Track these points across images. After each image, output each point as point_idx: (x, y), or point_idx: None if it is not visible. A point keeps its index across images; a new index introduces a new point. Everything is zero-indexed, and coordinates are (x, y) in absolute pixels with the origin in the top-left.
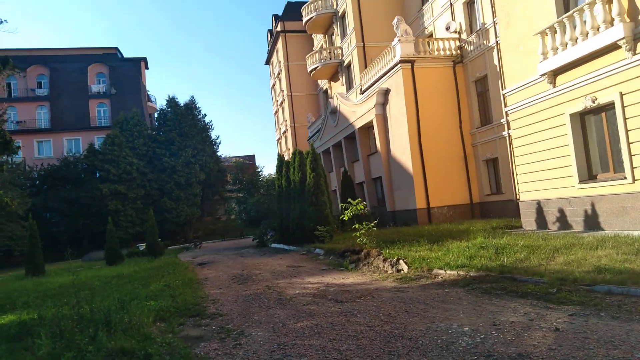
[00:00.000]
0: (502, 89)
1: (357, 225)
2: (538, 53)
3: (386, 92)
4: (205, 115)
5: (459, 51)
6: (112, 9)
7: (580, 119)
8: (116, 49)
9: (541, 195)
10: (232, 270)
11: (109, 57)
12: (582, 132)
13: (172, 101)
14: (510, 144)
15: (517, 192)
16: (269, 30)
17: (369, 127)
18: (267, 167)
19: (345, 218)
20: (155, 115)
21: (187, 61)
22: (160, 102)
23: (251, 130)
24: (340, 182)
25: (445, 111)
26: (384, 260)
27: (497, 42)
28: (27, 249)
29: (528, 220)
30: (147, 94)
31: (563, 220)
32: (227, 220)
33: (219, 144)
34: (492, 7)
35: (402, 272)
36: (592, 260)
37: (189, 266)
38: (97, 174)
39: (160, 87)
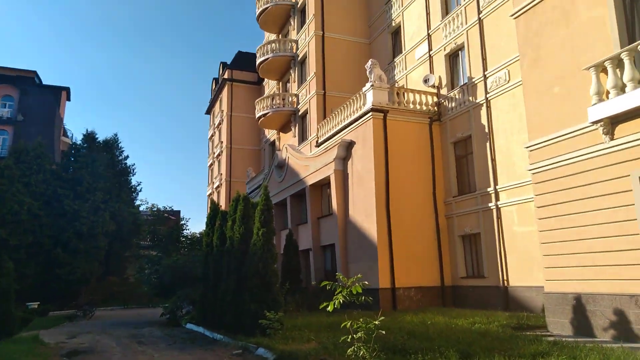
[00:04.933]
0: (491, 152)
1: (347, 322)
2: (590, 93)
3: (349, 144)
4: (127, 157)
5: (436, 108)
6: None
7: None
8: (34, 72)
9: (583, 288)
10: None
11: (24, 80)
12: None
13: (89, 136)
14: (499, 217)
15: (505, 278)
16: (214, 78)
17: (323, 184)
18: (193, 225)
19: (330, 309)
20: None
21: (123, 102)
22: (78, 138)
23: (180, 185)
24: (283, 247)
25: (418, 174)
26: None
27: (486, 98)
28: None
29: (558, 321)
30: (64, 127)
31: (623, 327)
32: (136, 282)
33: (139, 191)
34: (484, 59)
35: None
36: None
37: None
38: None
39: (85, 124)
